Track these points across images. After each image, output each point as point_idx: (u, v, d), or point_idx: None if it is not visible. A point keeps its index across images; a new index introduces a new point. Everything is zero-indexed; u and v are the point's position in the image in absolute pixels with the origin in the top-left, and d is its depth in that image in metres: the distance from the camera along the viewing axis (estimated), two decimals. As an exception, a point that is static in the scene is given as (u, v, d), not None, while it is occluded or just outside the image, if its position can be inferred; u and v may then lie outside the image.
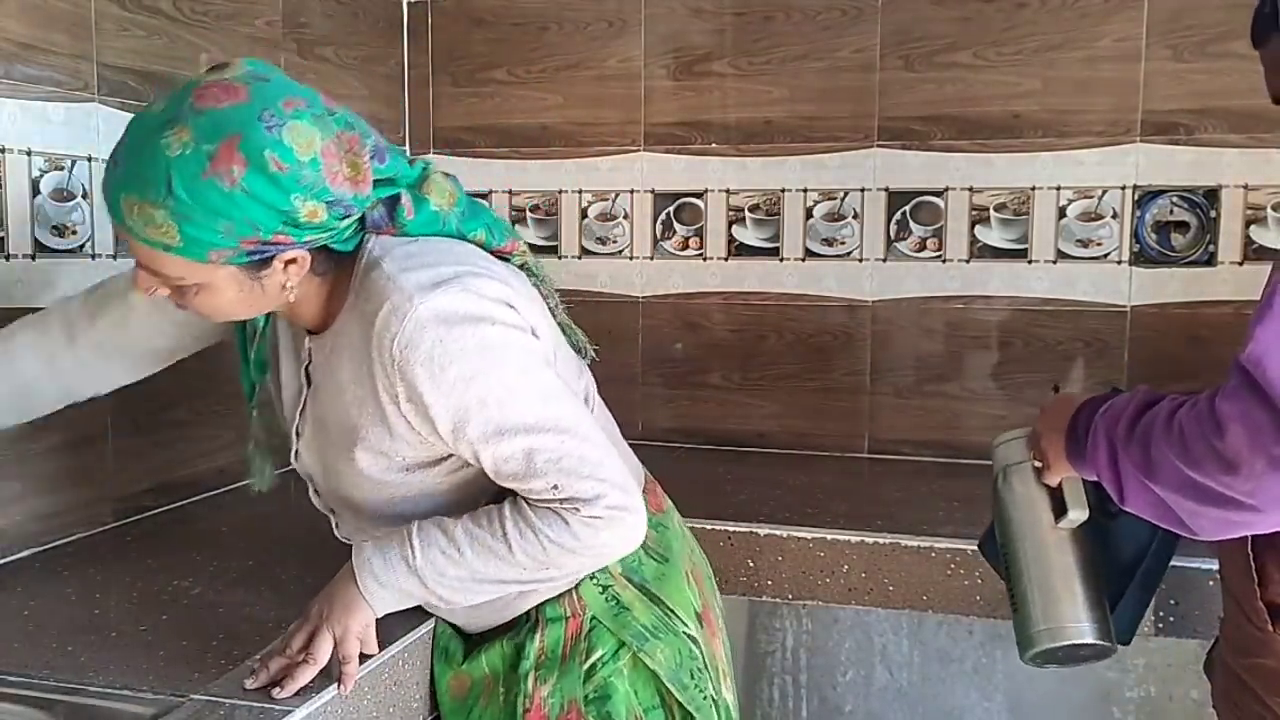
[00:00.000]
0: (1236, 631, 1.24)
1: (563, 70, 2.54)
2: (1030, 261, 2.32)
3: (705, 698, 1.33)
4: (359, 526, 1.34)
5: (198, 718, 1.09)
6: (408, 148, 2.63)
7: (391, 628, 1.32)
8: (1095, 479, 1.26)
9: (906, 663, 2.48)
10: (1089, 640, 1.36)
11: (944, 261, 2.37)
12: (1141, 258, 2.27)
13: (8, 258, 1.58)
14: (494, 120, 2.59)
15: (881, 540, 1.78)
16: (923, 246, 2.38)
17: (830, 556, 1.80)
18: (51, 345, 1.39)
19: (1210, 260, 2.23)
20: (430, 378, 1.13)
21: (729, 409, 2.51)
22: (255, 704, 1.11)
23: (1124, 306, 2.28)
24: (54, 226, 1.66)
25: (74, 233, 1.69)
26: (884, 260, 2.41)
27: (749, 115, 2.45)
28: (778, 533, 1.83)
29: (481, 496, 1.27)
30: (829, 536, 1.80)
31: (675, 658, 1.31)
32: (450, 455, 1.24)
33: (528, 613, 1.32)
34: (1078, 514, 1.36)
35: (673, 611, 1.33)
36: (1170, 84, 2.21)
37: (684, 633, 1.33)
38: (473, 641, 1.38)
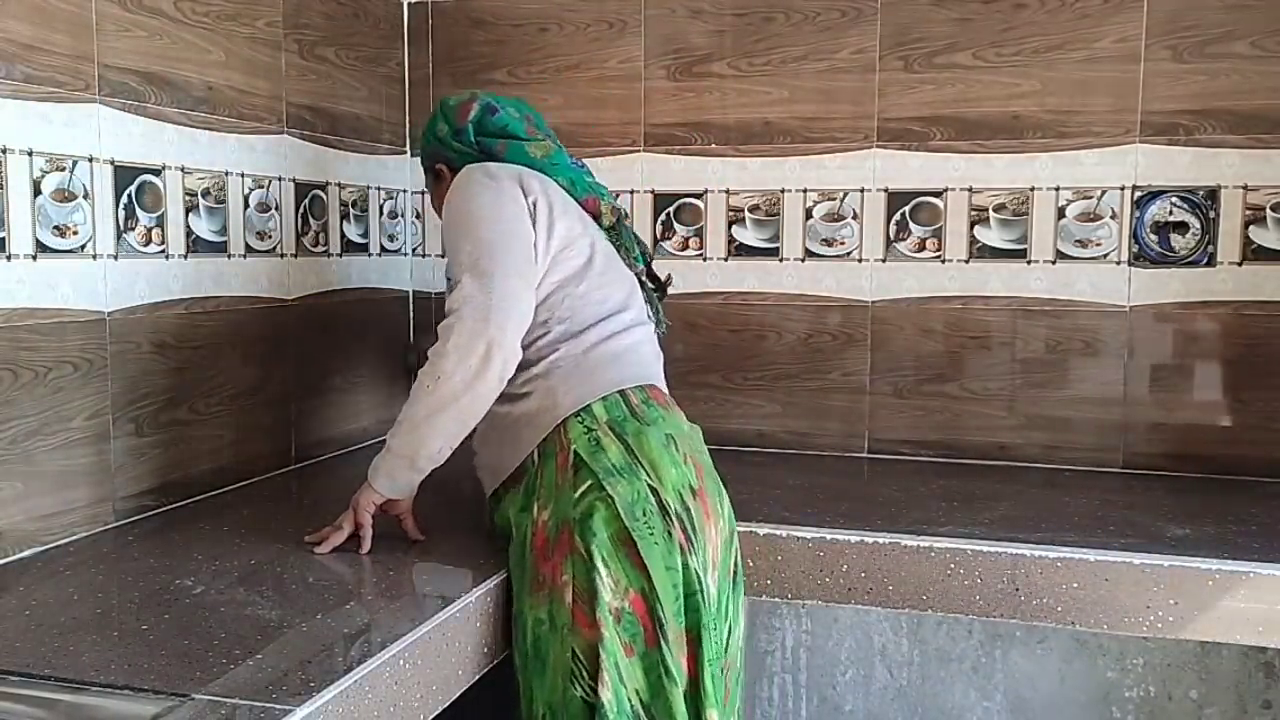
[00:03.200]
0: None
1: (563, 71, 2.54)
2: (1030, 262, 2.33)
3: (653, 537, 1.50)
4: None
5: (199, 717, 1.09)
6: (408, 148, 2.64)
7: (392, 627, 1.34)
8: None
9: (906, 662, 2.48)
10: None
11: (943, 262, 2.38)
12: (1141, 258, 2.27)
13: (9, 258, 1.58)
14: (494, 121, 2.59)
15: (881, 540, 1.78)
16: (922, 247, 2.39)
17: (830, 556, 1.80)
18: None
19: (1210, 260, 2.23)
20: (448, 202, 1.66)
21: (729, 409, 2.51)
22: (256, 703, 1.11)
23: (1124, 306, 2.28)
24: (55, 227, 1.66)
25: (75, 233, 1.69)
26: (883, 260, 2.41)
27: (748, 116, 2.45)
28: (778, 533, 1.83)
29: None
30: (829, 536, 1.81)
31: (631, 495, 1.51)
32: None
33: (532, 459, 1.58)
34: None
35: (640, 463, 1.54)
36: (1170, 84, 2.21)
37: (645, 482, 1.52)
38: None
